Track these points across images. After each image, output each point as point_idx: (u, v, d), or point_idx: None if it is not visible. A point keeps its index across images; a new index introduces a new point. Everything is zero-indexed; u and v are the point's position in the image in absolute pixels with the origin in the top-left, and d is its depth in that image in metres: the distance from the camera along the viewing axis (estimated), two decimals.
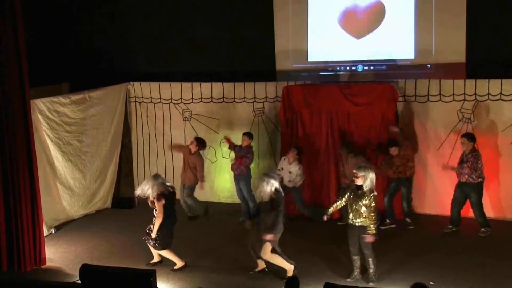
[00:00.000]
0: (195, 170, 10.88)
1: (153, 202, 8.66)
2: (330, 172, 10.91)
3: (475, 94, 10.51)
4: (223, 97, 11.86)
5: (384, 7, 11.24)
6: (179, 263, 8.88)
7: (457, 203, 9.99)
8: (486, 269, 8.63)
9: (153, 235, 8.68)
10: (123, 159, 12.44)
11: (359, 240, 8.18)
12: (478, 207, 9.85)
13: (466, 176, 9.70)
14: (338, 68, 11.55)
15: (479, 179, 9.73)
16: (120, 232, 10.53)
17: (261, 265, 8.66)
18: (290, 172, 10.46)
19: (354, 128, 10.81)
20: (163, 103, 12.23)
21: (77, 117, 11.02)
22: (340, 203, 8.42)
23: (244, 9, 12.03)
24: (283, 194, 8.42)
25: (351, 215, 8.17)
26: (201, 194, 11.62)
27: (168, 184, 8.82)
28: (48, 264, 9.21)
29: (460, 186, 9.87)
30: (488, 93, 10.42)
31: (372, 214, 8.05)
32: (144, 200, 11.62)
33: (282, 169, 10.55)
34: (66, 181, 10.93)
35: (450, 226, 10.08)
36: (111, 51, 12.83)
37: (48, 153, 10.53)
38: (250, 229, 8.75)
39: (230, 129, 11.71)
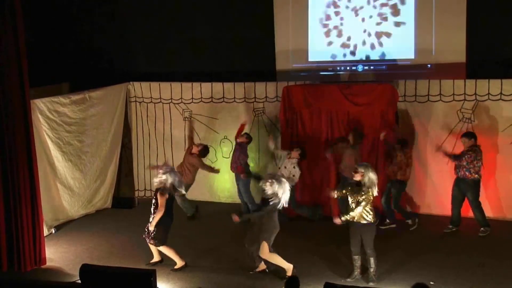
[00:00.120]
0: (192, 169, 10.89)
1: (155, 197, 8.71)
2: (330, 172, 10.90)
3: (475, 94, 10.51)
4: (223, 97, 11.86)
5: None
6: (179, 263, 8.88)
7: (456, 202, 9.99)
8: (486, 269, 8.63)
9: (151, 227, 8.68)
10: (123, 159, 12.44)
11: (362, 239, 8.18)
12: (476, 205, 9.85)
13: (464, 170, 9.69)
14: (338, 68, 11.55)
15: (475, 175, 9.71)
16: (120, 232, 10.53)
17: (261, 265, 8.66)
18: (285, 167, 10.45)
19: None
20: (163, 103, 12.23)
21: (77, 117, 11.02)
22: (338, 193, 8.41)
23: (244, 9, 12.03)
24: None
25: (351, 212, 8.18)
26: (201, 194, 11.65)
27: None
28: (48, 264, 9.21)
29: (457, 182, 9.88)
30: (488, 93, 10.43)
31: (370, 211, 8.06)
32: (144, 200, 11.66)
33: (281, 157, 10.53)
34: (66, 181, 10.94)
35: (450, 226, 10.08)
36: (111, 51, 12.83)
37: (48, 153, 10.54)
38: (236, 220, 8.70)
39: (230, 129, 11.71)
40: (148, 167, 11.95)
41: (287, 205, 8.44)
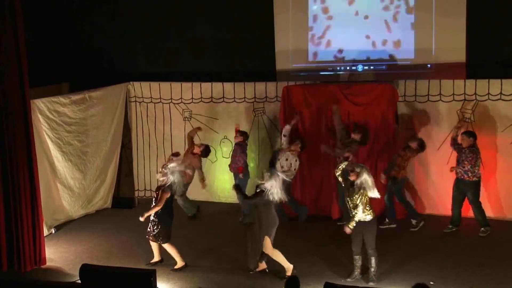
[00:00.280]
0: (190, 168, 10.90)
1: (157, 192, 8.74)
2: (330, 171, 10.88)
3: (475, 94, 10.51)
4: (223, 97, 11.86)
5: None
6: (179, 263, 8.88)
7: (457, 203, 10.00)
8: (486, 269, 8.63)
9: (142, 218, 8.66)
10: (123, 159, 12.44)
11: (363, 238, 8.18)
12: (477, 205, 9.86)
13: (462, 172, 9.71)
14: (338, 68, 11.54)
15: (475, 178, 9.72)
16: (120, 232, 10.53)
17: (262, 265, 8.67)
18: (286, 159, 10.44)
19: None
20: (163, 103, 12.23)
21: (77, 117, 11.02)
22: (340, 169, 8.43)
23: (244, 9, 12.02)
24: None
25: (350, 211, 8.19)
26: (201, 194, 11.64)
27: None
28: (48, 264, 9.22)
29: (457, 183, 9.89)
30: (488, 93, 10.43)
31: (368, 210, 8.06)
32: (144, 200, 11.66)
33: (282, 150, 10.52)
34: (66, 181, 10.94)
35: (450, 226, 10.08)
36: (111, 51, 12.83)
37: (48, 153, 10.54)
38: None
39: (230, 129, 11.71)
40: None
41: (279, 198, 8.39)
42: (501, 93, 10.36)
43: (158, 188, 8.79)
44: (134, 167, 12.53)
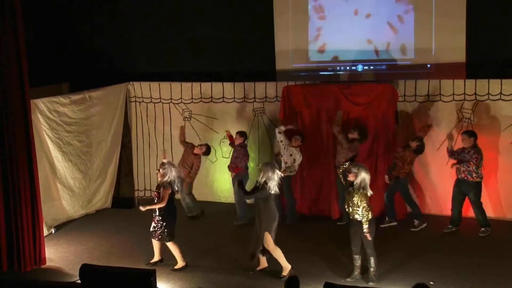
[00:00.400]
0: (193, 169, 10.93)
1: (157, 188, 8.73)
2: (330, 171, 10.90)
3: (475, 94, 10.51)
4: (223, 97, 11.86)
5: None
6: (180, 263, 8.89)
7: (457, 203, 10.00)
8: (486, 269, 8.62)
9: (143, 208, 8.67)
10: (123, 159, 12.44)
11: (362, 238, 8.18)
12: (478, 206, 9.85)
13: (466, 173, 9.69)
14: (338, 68, 11.54)
15: (478, 179, 9.74)
16: (120, 232, 10.52)
17: (263, 263, 8.67)
18: (291, 155, 10.45)
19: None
20: (163, 103, 12.23)
21: (77, 117, 11.02)
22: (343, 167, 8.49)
23: (244, 9, 12.02)
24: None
25: (349, 211, 8.19)
26: (201, 194, 11.63)
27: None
28: (48, 264, 9.22)
29: (458, 183, 9.88)
30: (488, 93, 10.43)
31: (364, 212, 8.06)
32: (144, 200, 11.66)
33: (284, 147, 10.48)
34: (66, 181, 10.94)
35: (450, 226, 10.08)
36: (111, 51, 12.83)
37: (48, 153, 10.54)
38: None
39: (230, 129, 11.70)
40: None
41: (276, 190, 8.43)
42: (501, 93, 10.36)
43: (158, 186, 8.80)
44: (134, 167, 12.53)
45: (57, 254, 9.59)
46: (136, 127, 12.45)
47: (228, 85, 11.82)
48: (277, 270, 8.57)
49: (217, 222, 10.95)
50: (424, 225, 10.24)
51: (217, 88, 11.88)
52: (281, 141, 10.51)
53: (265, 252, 8.57)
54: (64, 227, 10.83)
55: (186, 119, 12.11)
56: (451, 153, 9.97)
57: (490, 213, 10.26)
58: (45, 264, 9.18)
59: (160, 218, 8.73)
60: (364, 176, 8.07)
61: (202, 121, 12.01)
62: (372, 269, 8.26)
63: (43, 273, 8.90)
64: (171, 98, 12.16)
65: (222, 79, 11.87)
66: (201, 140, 11.74)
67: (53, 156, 10.64)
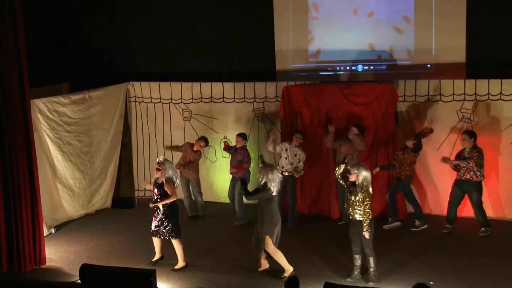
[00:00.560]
0: (192, 165, 10.92)
1: (158, 187, 8.73)
2: (330, 171, 10.89)
3: (475, 94, 10.51)
4: (223, 97, 11.86)
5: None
6: (180, 263, 8.89)
7: (455, 202, 9.99)
8: (486, 269, 8.63)
9: (161, 206, 8.69)
10: (123, 159, 12.44)
11: (361, 238, 8.18)
12: (479, 206, 9.84)
13: (471, 173, 9.68)
14: (338, 68, 11.54)
15: (481, 178, 9.74)
16: (120, 232, 10.53)
17: (264, 264, 8.66)
18: (295, 155, 10.45)
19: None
20: (163, 103, 12.23)
21: (77, 117, 11.02)
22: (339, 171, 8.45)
23: (244, 9, 12.01)
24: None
25: (349, 211, 8.19)
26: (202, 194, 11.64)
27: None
28: (48, 264, 9.22)
29: (459, 184, 9.86)
30: (488, 93, 10.43)
31: (367, 210, 8.08)
32: (144, 200, 11.66)
33: (287, 150, 10.49)
34: (66, 181, 10.94)
35: (448, 225, 10.07)
36: (111, 51, 12.82)
37: (48, 153, 10.53)
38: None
39: (230, 129, 11.72)
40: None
41: (277, 190, 8.44)
42: (501, 93, 10.36)
43: (159, 185, 8.76)
44: (134, 167, 12.53)
45: (57, 254, 9.60)
46: (136, 127, 12.44)
47: (228, 85, 11.82)
48: (277, 270, 8.57)
49: (217, 222, 10.95)
50: (425, 226, 10.24)
51: (217, 88, 11.88)
52: (285, 150, 10.50)
53: (268, 255, 8.58)
54: (64, 227, 10.83)
55: (186, 119, 12.11)
56: (463, 160, 9.81)
57: (490, 213, 10.26)
58: (45, 264, 9.18)
59: (164, 216, 8.74)
60: (365, 175, 8.09)
61: (202, 121, 12.01)
62: (372, 269, 8.27)
63: (43, 273, 8.90)
64: (171, 98, 12.16)
65: (222, 79, 11.87)
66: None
67: (53, 156, 10.64)
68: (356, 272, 8.40)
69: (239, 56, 12.10)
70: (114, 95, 11.89)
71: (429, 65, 11.01)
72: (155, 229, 8.83)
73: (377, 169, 10.23)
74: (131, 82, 12.28)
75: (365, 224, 8.07)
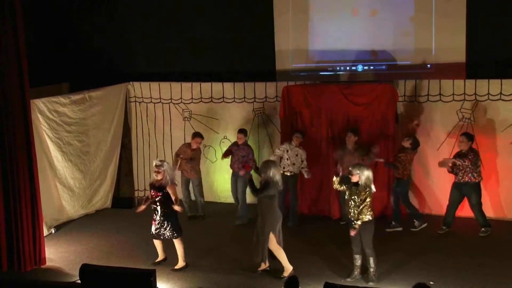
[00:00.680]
0: (193, 163, 10.91)
1: (157, 189, 8.71)
2: (330, 171, 10.88)
3: (475, 94, 10.51)
4: (223, 97, 11.86)
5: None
6: (180, 263, 8.89)
7: (454, 205, 9.98)
8: (486, 269, 8.63)
9: (176, 208, 8.69)
10: (123, 159, 12.45)
11: (361, 238, 8.18)
12: (479, 208, 9.84)
13: (469, 175, 9.69)
14: (338, 68, 11.54)
15: (479, 178, 9.74)
16: (120, 232, 10.53)
17: (264, 264, 8.66)
18: (296, 155, 10.45)
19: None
20: (163, 103, 12.23)
21: (77, 117, 11.02)
22: (336, 181, 8.44)
23: (244, 9, 12.01)
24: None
25: (350, 212, 8.19)
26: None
27: None
28: (48, 264, 9.22)
29: (458, 186, 9.85)
30: (488, 93, 10.43)
31: (369, 209, 8.08)
32: (144, 200, 11.61)
33: (288, 151, 10.50)
34: (66, 181, 10.94)
35: (444, 227, 10.06)
36: (111, 51, 12.82)
37: (48, 153, 10.53)
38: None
39: (230, 129, 11.72)
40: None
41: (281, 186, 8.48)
42: (501, 93, 10.36)
43: (160, 187, 8.74)
44: (134, 167, 12.53)
45: (57, 254, 9.59)
46: (136, 127, 12.45)
47: (228, 85, 11.82)
48: (277, 270, 8.57)
49: (217, 222, 10.95)
50: (425, 225, 10.24)
51: (217, 88, 11.88)
52: (286, 151, 10.49)
53: (270, 255, 8.57)
54: (64, 227, 10.83)
55: (186, 119, 12.11)
56: (451, 168, 9.87)
57: (490, 213, 10.26)
58: (45, 264, 9.18)
59: (163, 218, 8.74)
60: (367, 174, 8.10)
61: (202, 121, 12.01)
62: (372, 269, 8.27)
63: (43, 273, 8.90)
64: (171, 98, 12.16)
65: (222, 79, 11.87)
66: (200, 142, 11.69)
67: (53, 156, 10.64)
68: (356, 272, 8.40)
69: (239, 56, 12.10)
70: (114, 95, 11.90)
71: (429, 65, 11.01)
72: (156, 231, 8.83)
73: (382, 159, 10.22)
74: (131, 82, 12.28)
75: (358, 222, 8.07)
